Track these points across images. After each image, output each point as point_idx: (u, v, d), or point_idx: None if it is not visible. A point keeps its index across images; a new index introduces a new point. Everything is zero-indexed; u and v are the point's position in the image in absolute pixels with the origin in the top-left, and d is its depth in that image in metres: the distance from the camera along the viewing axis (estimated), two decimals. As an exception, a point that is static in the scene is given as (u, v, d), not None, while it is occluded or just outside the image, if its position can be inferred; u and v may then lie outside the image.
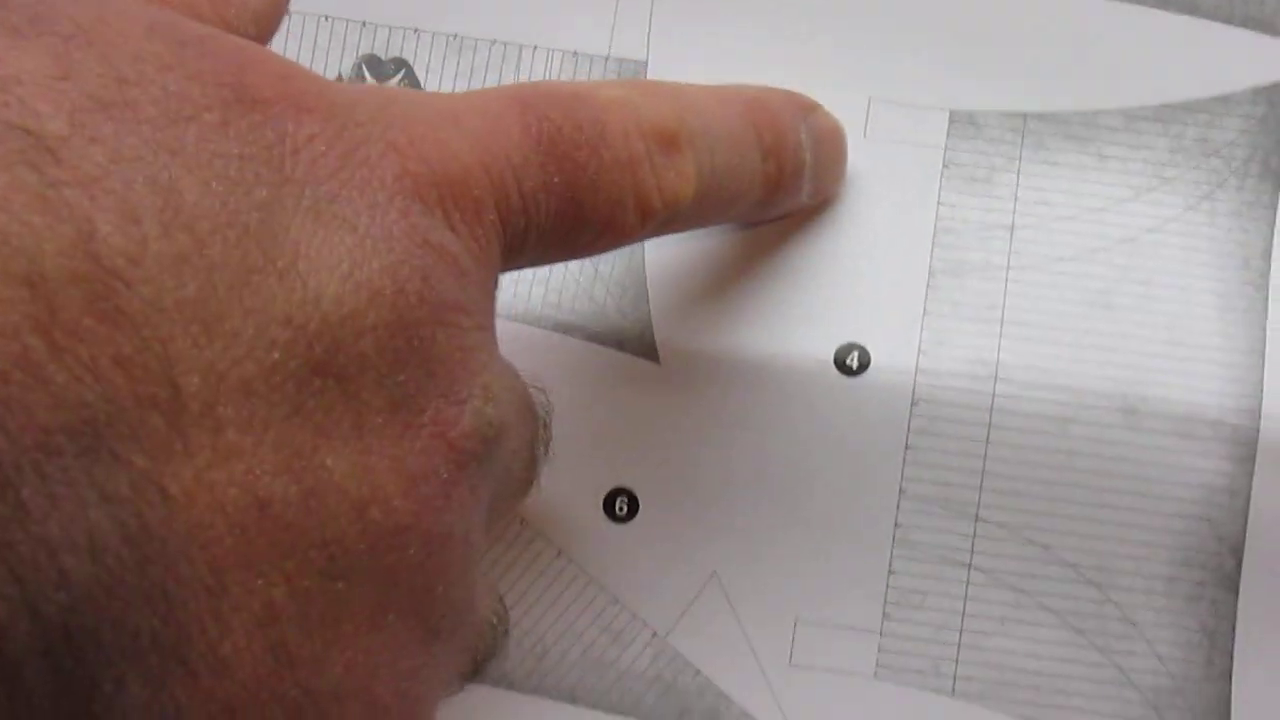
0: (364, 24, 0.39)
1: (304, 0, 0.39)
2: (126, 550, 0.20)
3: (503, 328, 0.37)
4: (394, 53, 0.39)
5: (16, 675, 0.19)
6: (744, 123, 0.33)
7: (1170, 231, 0.37)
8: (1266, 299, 0.37)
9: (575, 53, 0.39)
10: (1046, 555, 0.36)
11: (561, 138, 0.27)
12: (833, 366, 0.37)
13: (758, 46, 0.39)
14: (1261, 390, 0.36)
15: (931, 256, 0.37)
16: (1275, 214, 0.37)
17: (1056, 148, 0.38)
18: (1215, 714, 0.36)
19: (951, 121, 0.38)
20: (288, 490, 0.22)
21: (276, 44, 0.38)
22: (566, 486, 0.37)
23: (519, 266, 0.28)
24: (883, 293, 0.37)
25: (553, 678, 0.37)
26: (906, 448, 0.37)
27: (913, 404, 0.37)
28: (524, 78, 0.39)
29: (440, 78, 0.39)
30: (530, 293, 0.38)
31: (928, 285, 0.37)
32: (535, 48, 0.39)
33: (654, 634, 0.37)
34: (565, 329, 0.38)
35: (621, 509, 0.37)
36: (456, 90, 0.39)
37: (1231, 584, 0.36)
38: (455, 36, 0.39)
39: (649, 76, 0.39)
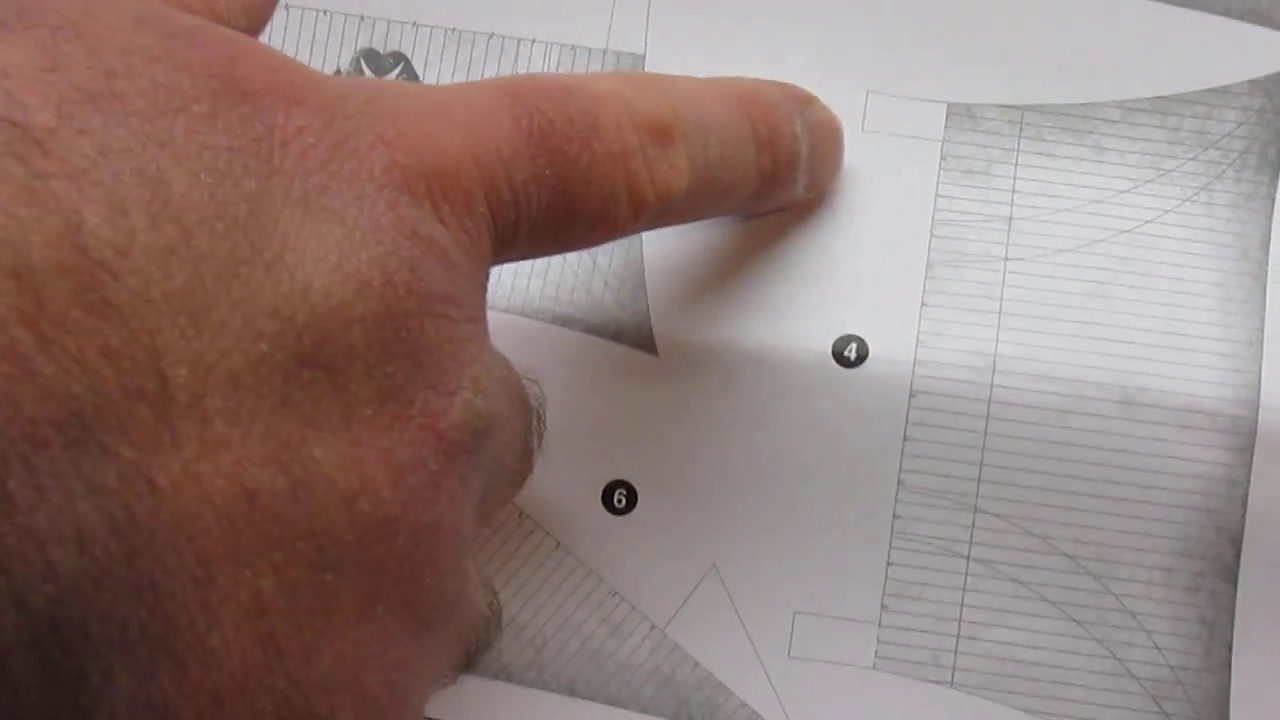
0: (362, 18, 0.39)
1: (302, -6, 0.39)
2: (114, 542, 0.20)
3: (500, 320, 0.37)
4: (392, 47, 0.39)
5: (3, 667, 0.19)
6: (739, 115, 0.33)
7: (1168, 223, 0.37)
8: (1265, 290, 0.37)
9: (573, 46, 0.39)
10: (1045, 546, 0.36)
11: (553, 130, 0.27)
12: (831, 358, 0.37)
13: (755, 39, 0.39)
14: (1260, 381, 0.36)
15: (929, 248, 0.37)
16: (1273, 205, 0.37)
17: (1054, 140, 0.38)
18: (1214, 704, 0.36)
19: (949, 114, 0.38)
20: (276, 481, 0.22)
21: (275, 38, 0.38)
22: (565, 479, 0.37)
23: (511, 259, 0.28)
24: (881, 285, 0.37)
25: (551, 670, 0.37)
26: (905, 439, 0.37)
27: (911, 395, 0.37)
28: (521, 71, 0.39)
29: (438, 71, 0.39)
30: (528, 285, 0.38)
31: (926, 277, 0.37)
32: (533, 41, 0.39)
33: (653, 626, 0.37)
34: (563, 321, 0.38)
35: (620, 501, 0.37)
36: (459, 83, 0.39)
37: (1230, 574, 0.36)
38: (453, 30, 0.39)
39: (647, 69, 0.39)
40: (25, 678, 0.19)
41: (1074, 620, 0.36)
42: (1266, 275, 0.37)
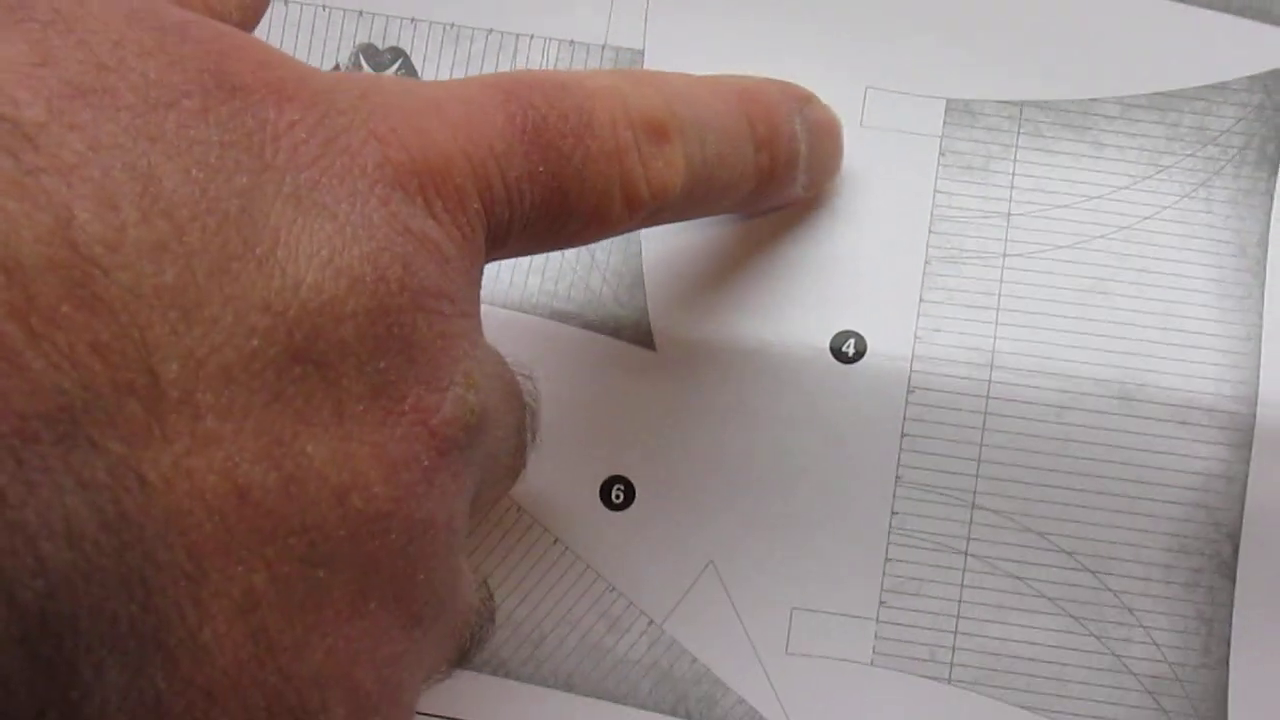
0: (360, 13, 0.39)
1: (301, -10, 0.39)
2: (104, 537, 0.20)
3: (499, 315, 0.37)
4: (391, 42, 0.39)
5: None
6: (736, 113, 0.33)
7: (1167, 219, 0.37)
8: (1263, 286, 0.37)
9: (572, 41, 0.39)
10: (1043, 542, 0.36)
11: (546, 126, 0.27)
12: (829, 354, 0.37)
13: (754, 34, 0.39)
14: (1258, 377, 0.36)
15: (928, 244, 0.37)
16: (1271, 201, 0.37)
17: (1053, 136, 0.38)
18: (1213, 701, 0.36)
19: (948, 110, 0.38)
20: (267, 477, 0.22)
21: (274, 33, 0.38)
22: (563, 474, 0.37)
23: (506, 255, 0.28)
24: (879, 280, 0.37)
25: (549, 665, 0.37)
26: (903, 435, 0.37)
27: (909, 391, 0.37)
28: (520, 66, 0.39)
29: (437, 67, 0.39)
30: (527, 281, 0.38)
31: (924, 273, 0.37)
32: (532, 36, 0.39)
33: (650, 621, 0.37)
34: (562, 317, 0.38)
35: (618, 497, 0.37)
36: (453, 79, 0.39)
37: (1228, 571, 0.36)
38: (452, 26, 0.39)
39: (646, 64, 0.39)
40: (14, 672, 0.19)
41: (1072, 616, 0.36)
42: (1265, 271, 0.37)
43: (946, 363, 0.37)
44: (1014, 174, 0.38)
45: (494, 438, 0.27)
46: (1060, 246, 0.37)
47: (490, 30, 0.39)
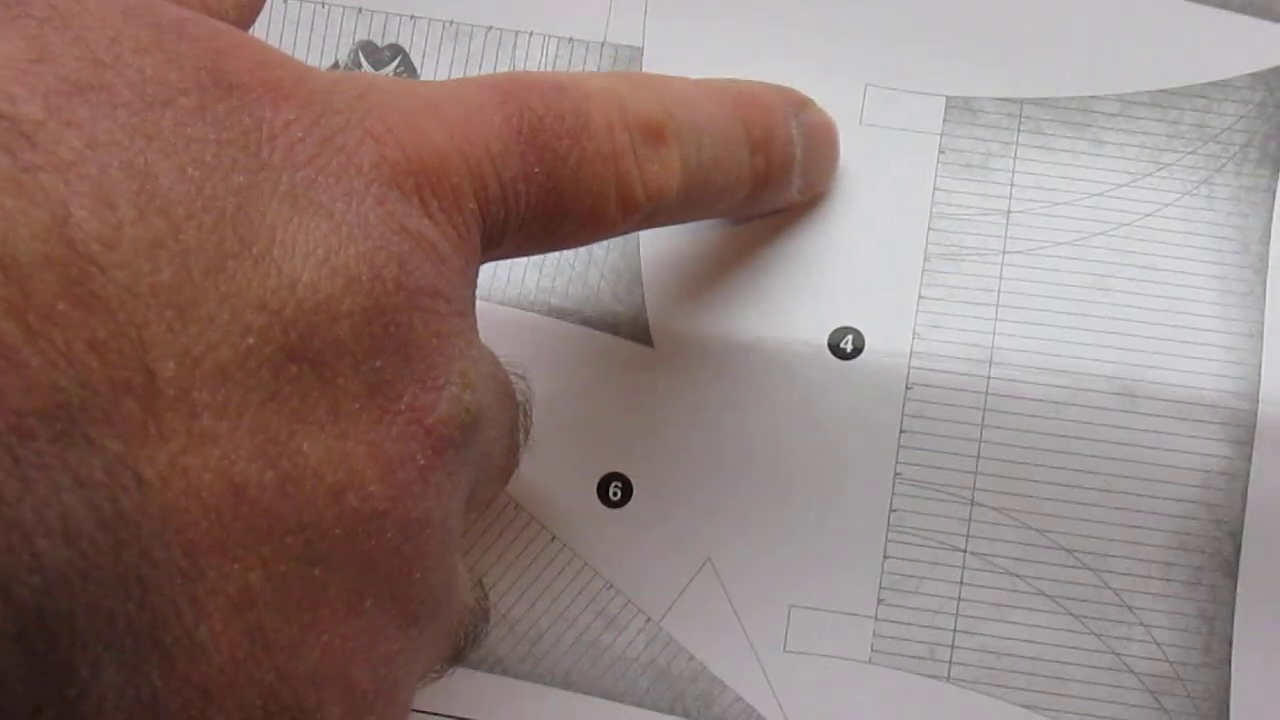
0: (360, 10, 0.39)
1: (300, -14, 0.39)
2: (100, 534, 0.20)
3: (497, 312, 0.37)
4: (390, 39, 0.39)
5: None
6: (733, 117, 0.33)
7: (1168, 216, 0.37)
8: (1265, 283, 0.37)
9: (571, 39, 0.39)
10: (1043, 540, 0.36)
11: (543, 128, 0.27)
12: (827, 350, 0.37)
13: (754, 32, 0.39)
14: (1260, 374, 0.36)
15: (927, 241, 0.37)
16: (1273, 198, 0.37)
17: (1053, 133, 0.38)
18: (1214, 700, 0.36)
19: (948, 107, 0.38)
20: (263, 475, 0.22)
21: (273, 30, 0.38)
22: (560, 472, 0.37)
23: (501, 256, 0.28)
24: (878, 277, 0.37)
25: (547, 663, 0.37)
26: (901, 432, 0.37)
27: (907, 388, 0.37)
28: (519, 64, 0.39)
29: (436, 64, 0.39)
30: (524, 278, 0.38)
31: (923, 270, 0.37)
32: (531, 34, 0.39)
33: (648, 619, 0.37)
34: (560, 314, 0.38)
35: (615, 494, 0.37)
36: (451, 77, 0.39)
37: (1230, 569, 0.36)
38: (451, 23, 0.39)
39: (645, 63, 0.39)
40: (11, 669, 0.19)
41: (1072, 615, 0.36)
42: (1267, 268, 0.37)
43: (945, 359, 0.37)
44: (1014, 171, 0.38)
45: (488, 437, 0.27)
46: (1060, 244, 0.37)
47: (489, 28, 0.39)
